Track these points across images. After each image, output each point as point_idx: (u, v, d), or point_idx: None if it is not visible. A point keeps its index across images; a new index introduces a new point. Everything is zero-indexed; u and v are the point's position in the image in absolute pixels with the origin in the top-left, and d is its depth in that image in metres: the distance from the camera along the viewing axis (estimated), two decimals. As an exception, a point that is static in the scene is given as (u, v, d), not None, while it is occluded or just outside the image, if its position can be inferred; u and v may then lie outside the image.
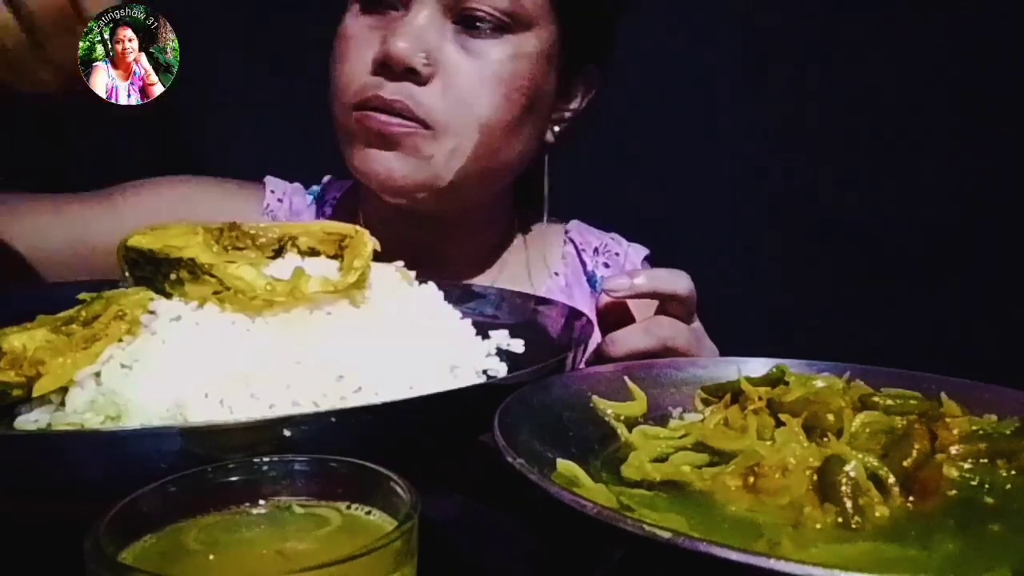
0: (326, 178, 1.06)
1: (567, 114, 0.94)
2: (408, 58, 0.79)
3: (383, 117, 0.81)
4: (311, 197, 1.04)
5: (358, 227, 0.63)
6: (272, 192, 1.02)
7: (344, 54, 0.84)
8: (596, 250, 1.06)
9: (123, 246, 0.60)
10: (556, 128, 0.94)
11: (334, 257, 0.63)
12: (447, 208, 0.89)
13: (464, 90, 0.81)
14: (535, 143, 0.91)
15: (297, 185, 1.05)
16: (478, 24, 0.81)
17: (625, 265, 1.06)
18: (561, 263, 1.05)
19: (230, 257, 0.57)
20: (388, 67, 0.80)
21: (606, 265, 1.05)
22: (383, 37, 0.80)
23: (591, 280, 1.05)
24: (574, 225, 1.08)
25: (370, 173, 0.84)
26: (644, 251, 1.08)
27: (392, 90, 0.80)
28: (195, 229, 0.59)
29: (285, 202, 1.02)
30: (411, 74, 0.80)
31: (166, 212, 0.94)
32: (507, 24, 0.82)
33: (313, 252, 0.63)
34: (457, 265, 0.96)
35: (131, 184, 0.98)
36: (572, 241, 1.06)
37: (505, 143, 0.85)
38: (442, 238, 0.94)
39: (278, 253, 0.63)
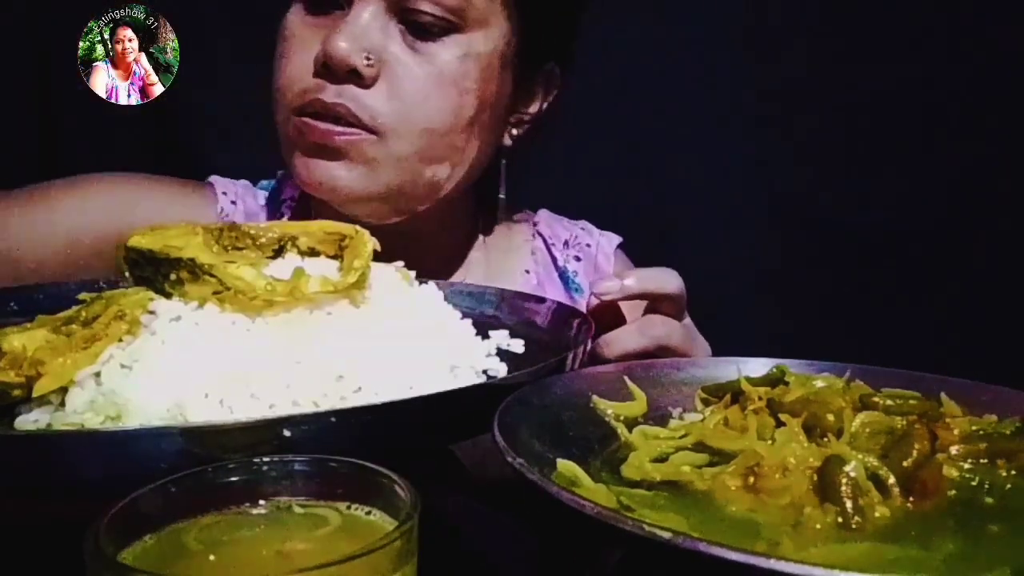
0: (280, 173, 1.00)
1: (526, 116, 0.90)
2: (349, 58, 0.74)
3: (324, 126, 0.76)
4: (263, 194, 0.98)
5: (358, 227, 0.63)
6: (224, 194, 0.95)
7: (285, 55, 0.80)
8: (566, 243, 1.02)
9: (123, 246, 0.60)
10: (515, 131, 0.89)
11: (334, 257, 0.63)
12: (400, 213, 0.84)
13: (411, 92, 0.77)
14: (490, 147, 0.87)
15: (245, 183, 0.98)
16: (424, 24, 0.77)
17: (598, 257, 1.02)
18: (531, 260, 1.01)
19: (230, 257, 0.57)
20: (330, 69, 0.75)
21: (577, 258, 1.02)
22: (325, 37, 0.76)
23: (563, 276, 1.01)
24: (542, 216, 1.04)
25: (313, 183, 0.79)
26: (617, 239, 1.04)
27: (334, 93, 0.76)
28: (195, 229, 0.59)
29: (239, 205, 0.95)
30: (354, 76, 0.75)
31: (99, 214, 0.87)
32: (455, 24, 0.77)
33: (313, 252, 0.63)
34: (420, 268, 0.94)
35: (62, 182, 0.90)
36: (541, 235, 1.02)
37: (454, 149, 0.81)
38: (402, 242, 0.91)
39: (278, 253, 0.63)
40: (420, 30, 0.77)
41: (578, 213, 1.10)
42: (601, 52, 0.98)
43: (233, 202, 0.95)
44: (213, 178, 0.97)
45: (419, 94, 0.77)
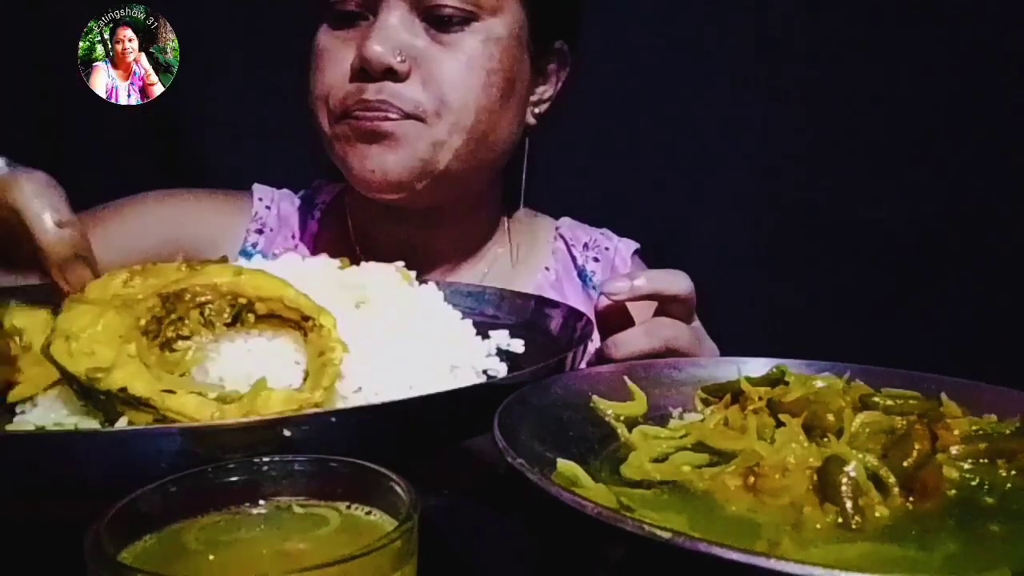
0: (316, 181, 1.07)
1: (545, 95, 0.96)
2: (384, 58, 0.81)
3: (371, 114, 0.83)
4: (301, 202, 1.05)
5: (323, 309, 0.54)
6: (260, 200, 1.03)
7: (320, 67, 0.86)
8: (586, 245, 1.07)
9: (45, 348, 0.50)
10: (536, 110, 0.96)
11: (296, 327, 0.54)
12: (442, 198, 0.90)
13: (443, 79, 0.83)
14: (517, 126, 0.93)
15: (286, 191, 1.06)
16: (446, 17, 0.83)
17: (615, 260, 1.06)
18: (551, 258, 1.05)
19: (169, 383, 0.49)
20: (366, 72, 0.82)
21: (596, 260, 1.06)
22: (357, 45, 0.83)
23: (581, 275, 1.05)
24: (564, 222, 1.10)
25: (366, 172, 0.85)
26: (634, 245, 1.09)
27: (374, 91, 0.82)
28: (129, 334, 0.50)
29: (273, 209, 1.03)
30: (389, 74, 0.82)
31: (153, 230, 0.95)
32: (474, 13, 0.84)
33: (272, 316, 0.54)
34: (445, 260, 0.97)
35: (114, 204, 0.98)
36: (562, 237, 1.07)
37: (490, 126, 0.87)
38: (430, 234, 0.95)
39: (234, 321, 0.54)
40: (442, 23, 0.84)
41: (575, 212, 1.11)
42: (600, 52, 0.99)
43: (268, 207, 1.03)
44: (255, 186, 1.05)
45: (451, 79, 0.84)
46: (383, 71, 0.81)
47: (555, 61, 0.96)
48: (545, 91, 0.96)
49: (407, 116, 0.83)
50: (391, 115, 0.82)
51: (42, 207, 0.54)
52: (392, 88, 0.82)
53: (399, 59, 0.81)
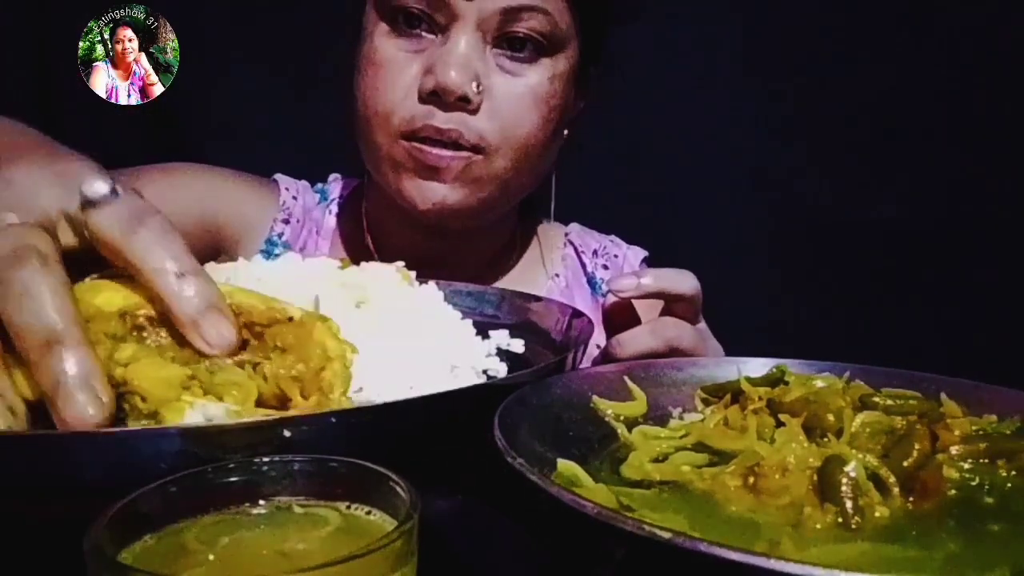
0: (333, 176, 1.07)
1: (572, 116, 0.96)
2: (463, 88, 0.79)
3: (436, 151, 0.81)
4: (319, 196, 1.05)
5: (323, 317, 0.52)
6: (287, 190, 1.03)
7: (381, 80, 0.83)
8: (595, 252, 1.08)
9: None
10: (564, 132, 0.95)
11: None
12: (482, 222, 0.90)
13: (509, 112, 0.83)
14: (556, 153, 0.94)
15: (305, 183, 1.06)
16: (519, 48, 0.82)
17: (624, 267, 1.07)
18: (561, 265, 1.06)
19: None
20: (438, 96, 0.80)
21: (605, 267, 1.07)
22: (426, 65, 0.81)
23: (591, 282, 1.06)
24: (574, 228, 1.10)
25: (425, 204, 0.84)
26: (643, 253, 1.09)
27: (444, 120, 0.81)
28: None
29: (300, 200, 1.03)
30: (462, 101, 0.80)
31: (187, 202, 0.93)
32: (545, 47, 0.83)
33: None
34: (462, 268, 0.97)
35: (147, 169, 0.94)
36: (572, 243, 1.08)
37: (541, 159, 0.88)
38: (449, 242, 0.95)
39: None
40: (514, 48, 0.82)
41: (576, 215, 1.11)
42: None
43: (295, 197, 1.03)
44: (279, 176, 1.05)
45: (517, 115, 0.83)
46: (458, 99, 0.80)
47: (584, 84, 0.95)
48: (573, 113, 0.96)
49: (471, 148, 0.82)
50: (461, 145, 0.81)
51: (161, 258, 0.46)
52: (461, 117, 0.81)
53: (476, 89, 0.80)
